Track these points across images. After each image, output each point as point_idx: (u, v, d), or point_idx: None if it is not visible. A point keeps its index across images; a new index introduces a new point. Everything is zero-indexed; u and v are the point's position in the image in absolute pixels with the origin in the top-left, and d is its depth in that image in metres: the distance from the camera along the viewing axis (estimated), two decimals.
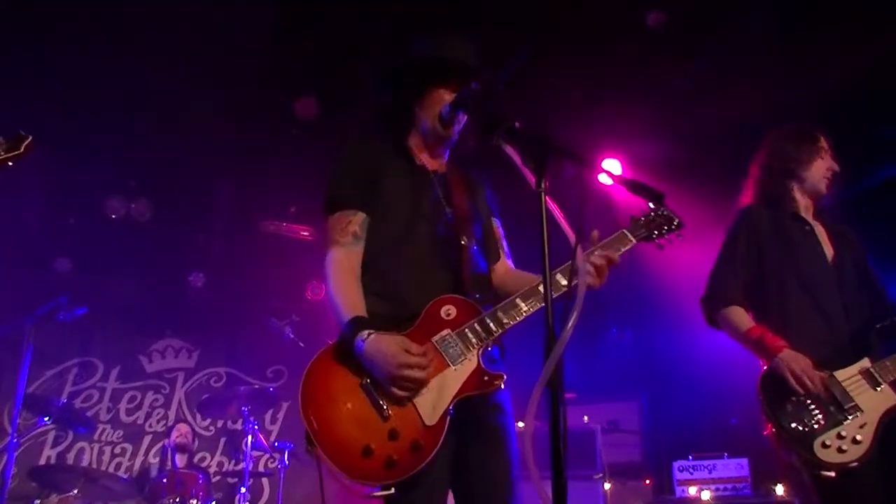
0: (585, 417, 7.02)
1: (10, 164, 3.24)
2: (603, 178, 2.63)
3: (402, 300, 2.77)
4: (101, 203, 8.23)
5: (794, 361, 3.36)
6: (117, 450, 8.76)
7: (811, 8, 5.60)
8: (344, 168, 2.97)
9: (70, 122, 6.73)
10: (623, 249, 2.81)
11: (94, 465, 8.38)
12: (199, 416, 8.89)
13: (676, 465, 6.63)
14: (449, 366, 2.64)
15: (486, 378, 2.64)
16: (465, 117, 2.97)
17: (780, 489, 6.26)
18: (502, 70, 5.94)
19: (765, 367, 3.49)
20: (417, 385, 2.56)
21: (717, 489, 6.36)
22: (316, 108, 6.86)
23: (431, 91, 2.97)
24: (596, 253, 2.74)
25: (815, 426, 3.29)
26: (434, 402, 2.58)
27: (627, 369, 8.71)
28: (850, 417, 3.30)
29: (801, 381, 3.32)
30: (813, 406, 3.32)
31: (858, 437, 3.24)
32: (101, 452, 8.69)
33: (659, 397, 8.80)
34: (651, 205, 2.89)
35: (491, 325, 2.69)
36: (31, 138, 3.25)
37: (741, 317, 3.62)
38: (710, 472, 6.49)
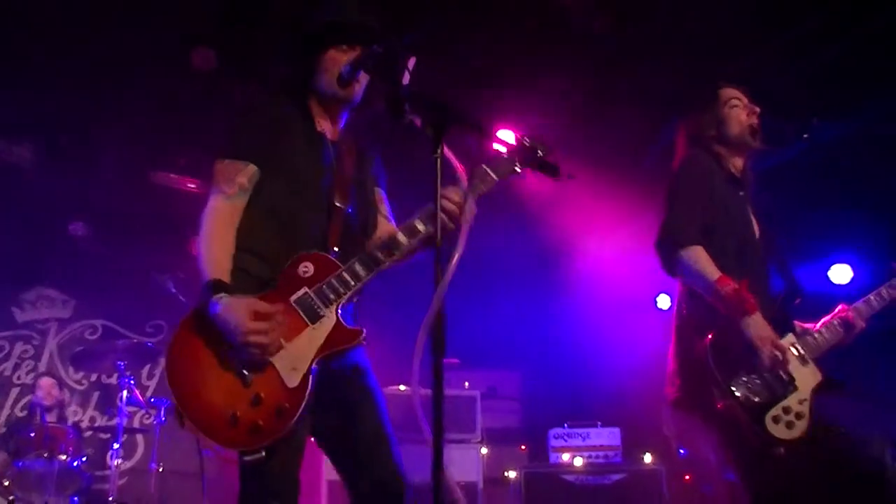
0: (466, 383, 7.14)
1: None
2: (497, 147, 2.69)
3: (272, 259, 2.75)
4: None
5: (765, 328, 3.09)
6: None
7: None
8: (247, 119, 2.95)
9: None
10: (484, 187, 2.74)
11: None
12: (71, 369, 8.61)
13: (552, 432, 6.81)
14: (308, 325, 2.63)
15: (345, 334, 2.65)
16: (365, 78, 2.96)
17: (648, 457, 6.56)
18: (404, 35, 5.90)
19: (709, 331, 3.16)
20: (265, 350, 2.54)
21: (590, 456, 6.58)
22: (214, 61, 6.67)
23: (326, 53, 2.98)
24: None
25: (764, 398, 3.10)
26: (294, 363, 2.57)
27: (509, 338, 8.89)
28: (791, 391, 3.15)
29: (769, 349, 3.07)
30: (757, 377, 3.12)
31: (801, 412, 3.11)
32: None
33: (538, 367, 9.05)
34: (516, 138, 2.82)
35: (347, 278, 2.68)
36: None
37: (707, 261, 3.19)
38: (583, 440, 6.70)
